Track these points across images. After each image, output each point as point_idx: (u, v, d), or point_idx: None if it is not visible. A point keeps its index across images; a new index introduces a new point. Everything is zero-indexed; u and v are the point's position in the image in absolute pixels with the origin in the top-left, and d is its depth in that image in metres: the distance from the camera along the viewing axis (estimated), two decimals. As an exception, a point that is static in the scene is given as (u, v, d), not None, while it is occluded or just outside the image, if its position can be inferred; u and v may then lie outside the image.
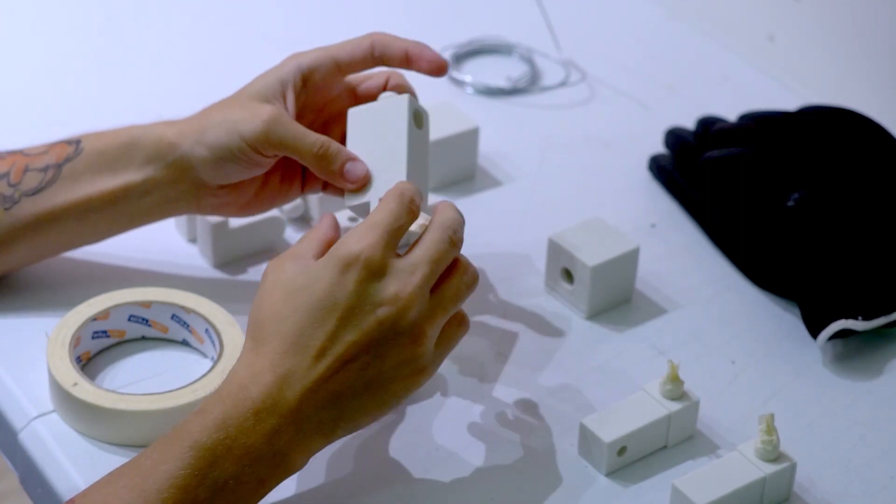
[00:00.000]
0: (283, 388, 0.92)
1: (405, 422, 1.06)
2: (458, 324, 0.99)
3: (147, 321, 1.09)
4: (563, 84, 1.43)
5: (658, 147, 1.33)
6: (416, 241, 0.97)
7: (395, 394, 0.95)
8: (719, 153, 1.24)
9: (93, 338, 1.08)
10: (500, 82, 1.42)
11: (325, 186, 1.12)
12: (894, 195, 1.20)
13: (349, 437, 1.03)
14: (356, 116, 1.08)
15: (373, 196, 1.04)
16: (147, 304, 1.09)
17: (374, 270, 0.93)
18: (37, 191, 1.09)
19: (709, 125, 1.29)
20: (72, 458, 1.02)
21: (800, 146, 1.23)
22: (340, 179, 1.06)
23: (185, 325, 1.09)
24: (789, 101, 1.39)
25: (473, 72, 1.43)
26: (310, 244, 0.98)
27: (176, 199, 1.10)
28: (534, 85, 1.43)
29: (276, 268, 0.96)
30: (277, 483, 0.93)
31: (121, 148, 1.09)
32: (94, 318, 1.07)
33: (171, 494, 0.89)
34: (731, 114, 1.33)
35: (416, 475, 1.02)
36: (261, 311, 0.95)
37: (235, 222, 1.17)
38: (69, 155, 1.10)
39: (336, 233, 0.99)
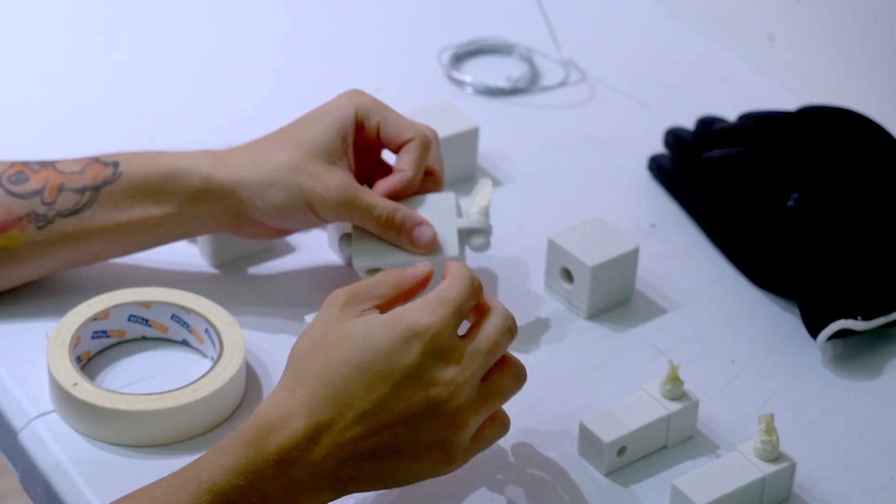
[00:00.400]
0: (313, 440, 0.90)
1: (405, 422, 1.06)
2: (499, 425, 0.97)
3: (147, 321, 1.09)
4: (563, 84, 1.43)
5: (658, 147, 1.33)
6: (477, 326, 0.95)
7: (416, 472, 0.93)
8: (719, 153, 1.24)
9: (93, 338, 1.08)
10: (500, 82, 1.42)
11: None
12: (894, 195, 1.20)
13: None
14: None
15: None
16: (147, 304, 1.09)
17: (438, 348, 0.91)
18: (72, 212, 1.08)
19: (709, 125, 1.29)
20: (72, 458, 1.02)
21: (800, 146, 1.23)
22: (408, 244, 1.07)
23: (185, 325, 1.09)
24: (789, 101, 1.39)
25: (473, 72, 1.43)
26: (386, 288, 0.95)
27: (215, 228, 1.11)
28: (534, 85, 1.43)
29: (335, 308, 0.94)
30: None
31: (163, 178, 1.08)
32: (94, 318, 1.07)
33: None
34: (731, 114, 1.33)
35: (416, 475, 1.02)
36: (309, 348, 0.93)
37: (235, 222, 1.17)
38: (107, 178, 1.09)
39: (422, 288, 0.97)
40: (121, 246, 1.11)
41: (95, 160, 1.10)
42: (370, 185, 1.13)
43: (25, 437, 1.04)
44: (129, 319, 1.09)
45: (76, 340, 1.06)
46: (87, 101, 1.36)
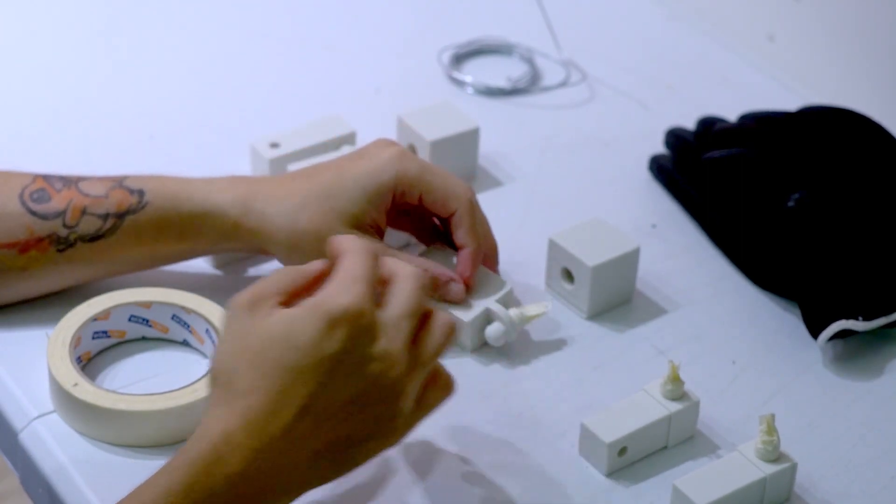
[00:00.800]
0: (261, 452, 0.87)
1: (405, 422, 1.06)
2: (442, 387, 0.94)
3: (147, 321, 1.09)
4: (563, 84, 1.43)
5: (658, 147, 1.33)
6: (390, 293, 0.92)
7: (366, 452, 0.91)
8: (719, 153, 1.24)
9: (93, 338, 1.08)
10: (501, 82, 1.42)
11: None
12: (894, 195, 1.20)
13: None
14: None
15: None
16: (147, 305, 1.09)
17: (362, 326, 0.89)
18: (94, 238, 1.08)
19: (709, 125, 1.29)
20: (72, 459, 1.02)
21: (800, 146, 1.23)
22: (440, 300, 1.08)
23: (185, 325, 1.09)
24: (789, 101, 1.39)
25: (473, 72, 1.43)
26: (287, 283, 0.92)
27: (237, 255, 1.12)
28: (534, 85, 1.43)
29: (242, 313, 0.90)
30: None
31: (190, 218, 1.08)
32: (95, 319, 1.07)
33: None
34: (731, 114, 1.33)
35: (416, 476, 1.02)
36: (232, 361, 0.89)
37: (236, 222, 1.17)
38: (132, 206, 1.08)
39: (319, 284, 0.92)
40: (141, 268, 1.11)
41: (120, 184, 1.09)
42: (415, 216, 1.13)
43: (26, 438, 1.04)
44: (129, 320, 1.09)
45: (76, 341, 1.06)
46: (88, 101, 1.36)
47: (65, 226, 1.07)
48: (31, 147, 1.29)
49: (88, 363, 1.08)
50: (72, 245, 1.07)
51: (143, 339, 1.10)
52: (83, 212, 1.07)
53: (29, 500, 1.06)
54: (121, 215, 1.08)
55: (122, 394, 1.02)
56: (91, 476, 1.00)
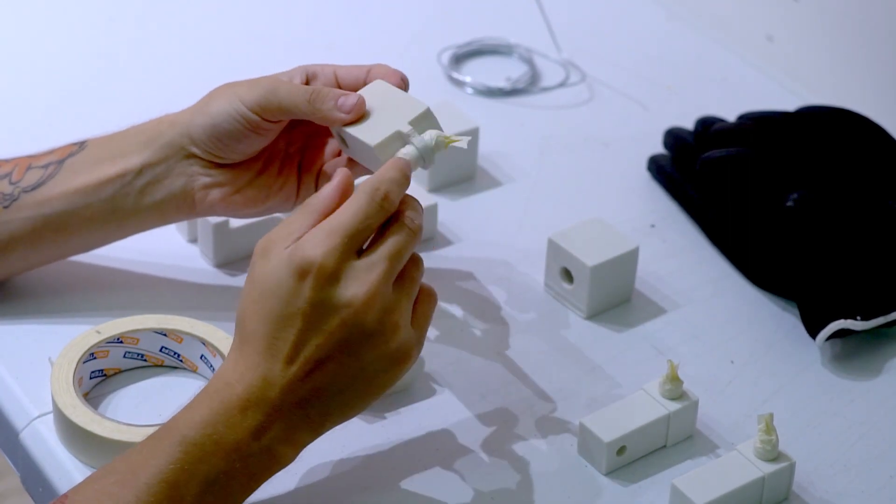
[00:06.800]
0: (265, 387, 0.93)
1: (405, 422, 1.06)
2: (427, 300, 0.98)
3: (179, 356, 1.09)
4: (562, 84, 1.44)
5: (658, 147, 1.33)
6: (377, 237, 0.95)
7: (380, 385, 0.96)
8: (718, 153, 1.24)
9: (124, 356, 1.07)
10: (500, 83, 1.42)
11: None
12: (893, 195, 1.21)
13: (349, 436, 1.04)
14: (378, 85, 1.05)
15: (370, 137, 1.01)
16: (179, 339, 1.08)
17: (329, 276, 0.92)
18: (36, 186, 1.09)
19: (708, 125, 1.30)
20: (73, 458, 1.02)
21: (799, 146, 1.23)
22: (337, 114, 1.03)
23: (211, 367, 1.08)
24: (789, 101, 1.39)
25: (473, 72, 1.43)
26: (305, 219, 0.95)
27: (166, 177, 1.08)
28: (533, 85, 1.43)
29: (257, 259, 0.95)
30: (268, 477, 0.94)
31: (123, 137, 1.09)
32: (120, 340, 1.06)
33: (161, 489, 0.90)
34: (730, 114, 1.33)
35: (416, 475, 1.02)
36: (243, 308, 0.95)
37: (236, 222, 1.17)
38: (73, 152, 1.10)
39: (348, 195, 0.96)
40: (83, 226, 1.09)
41: (71, 143, 1.11)
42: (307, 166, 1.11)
43: (27, 437, 1.04)
44: (160, 350, 1.08)
45: (79, 381, 1.04)
46: (88, 101, 1.36)
47: (10, 183, 1.09)
48: (32, 147, 1.29)
49: (112, 377, 1.07)
50: (16, 199, 1.09)
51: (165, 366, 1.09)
52: (28, 168, 1.10)
53: (29, 499, 1.06)
54: (61, 161, 1.09)
55: (133, 426, 1.00)
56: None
